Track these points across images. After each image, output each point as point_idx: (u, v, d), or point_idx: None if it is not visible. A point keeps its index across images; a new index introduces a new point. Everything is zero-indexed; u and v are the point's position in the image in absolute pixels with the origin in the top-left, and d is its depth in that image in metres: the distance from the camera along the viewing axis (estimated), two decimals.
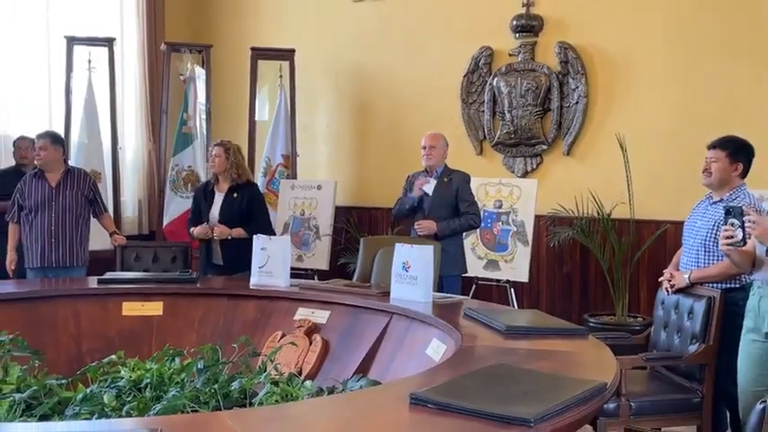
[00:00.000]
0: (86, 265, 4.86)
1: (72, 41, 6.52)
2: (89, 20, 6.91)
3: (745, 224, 2.97)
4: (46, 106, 6.69)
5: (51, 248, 4.71)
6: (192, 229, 4.80)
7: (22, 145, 5.87)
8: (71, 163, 5.44)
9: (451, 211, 4.70)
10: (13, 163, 5.97)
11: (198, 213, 4.87)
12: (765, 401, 1.80)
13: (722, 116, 5.03)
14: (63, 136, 5.69)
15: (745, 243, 3.03)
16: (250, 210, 4.75)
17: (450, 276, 4.56)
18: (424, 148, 4.76)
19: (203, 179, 6.76)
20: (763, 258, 3.04)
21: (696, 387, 3.36)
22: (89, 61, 6.62)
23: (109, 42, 6.71)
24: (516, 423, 1.78)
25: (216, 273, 4.71)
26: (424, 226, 4.59)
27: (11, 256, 4.82)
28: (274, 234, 4.97)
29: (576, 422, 1.95)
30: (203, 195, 4.88)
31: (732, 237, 3.02)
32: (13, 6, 6.44)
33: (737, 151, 3.52)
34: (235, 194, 4.76)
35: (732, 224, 3.02)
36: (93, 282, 4.08)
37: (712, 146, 3.56)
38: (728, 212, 3.06)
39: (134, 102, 7.25)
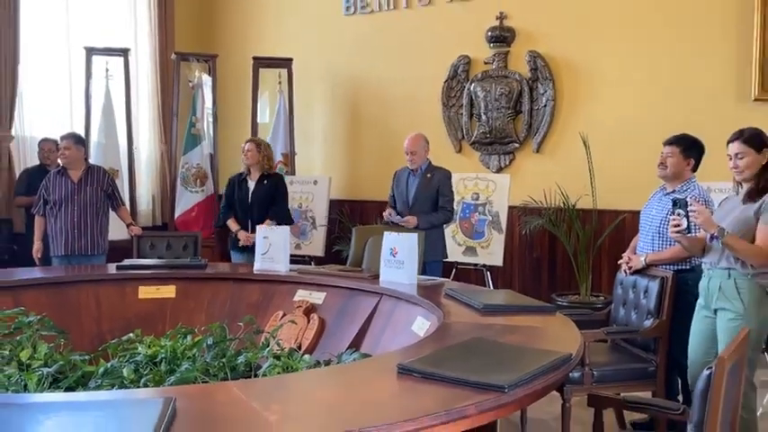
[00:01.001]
0: (106, 253, 4.84)
1: (91, 52, 6.49)
2: (106, 32, 6.88)
3: (689, 214, 3.01)
4: (67, 110, 6.66)
5: (74, 238, 4.70)
6: (239, 236, 4.89)
7: (45, 146, 5.84)
8: (91, 161, 5.41)
9: (432, 204, 4.70)
10: (37, 162, 5.94)
11: (231, 200, 5.07)
12: (711, 368, 1.82)
13: (673, 117, 5.06)
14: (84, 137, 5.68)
15: (689, 230, 3.07)
16: (275, 195, 4.97)
17: (433, 261, 4.58)
18: (407, 153, 4.75)
19: (210, 176, 6.81)
20: (711, 244, 3.07)
21: (651, 357, 3.38)
22: (106, 70, 6.59)
23: (124, 52, 6.68)
24: (492, 389, 1.80)
25: (242, 254, 4.90)
26: (409, 222, 4.59)
27: (37, 246, 4.80)
28: (291, 218, 5.13)
29: (545, 388, 1.97)
30: (237, 184, 5.07)
31: (679, 225, 3.06)
32: (38, 21, 6.39)
33: (690, 148, 3.54)
34: (265, 181, 4.98)
35: (678, 214, 3.05)
36: (112, 268, 4.06)
37: (668, 142, 3.57)
38: (675, 204, 3.10)
39: (147, 106, 7.22)
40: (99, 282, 3.85)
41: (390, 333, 3.16)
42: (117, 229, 5.20)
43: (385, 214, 4.78)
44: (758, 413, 3.40)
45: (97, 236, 4.77)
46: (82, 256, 4.70)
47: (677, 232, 3.09)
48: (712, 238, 2.99)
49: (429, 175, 4.74)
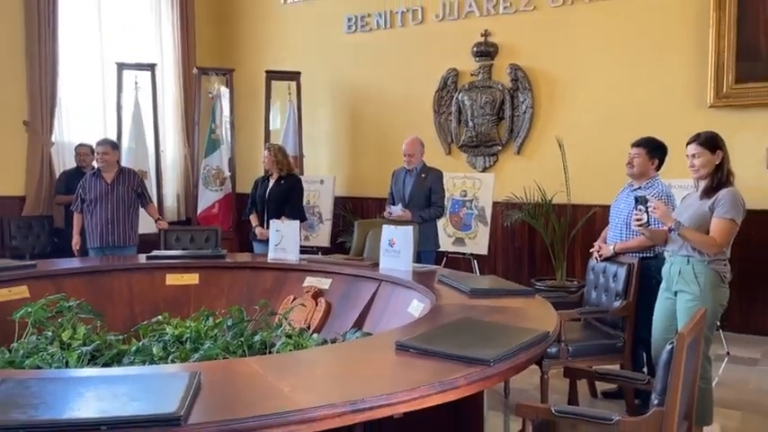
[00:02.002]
0: (136, 245, 4.83)
1: (121, 67, 6.48)
2: (135, 49, 6.87)
3: (649, 209, 3.03)
4: (101, 119, 6.65)
5: (109, 232, 4.69)
6: (255, 231, 4.91)
7: (81, 150, 5.83)
8: (122, 164, 5.40)
9: (426, 200, 4.69)
10: (74, 165, 5.94)
11: (254, 197, 5.05)
12: (673, 343, 1.83)
13: (639, 122, 5.06)
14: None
15: (649, 224, 3.08)
16: (290, 194, 4.90)
17: (427, 251, 4.57)
18: (405, 155, 4.71)
19: (228, 176, 6.81)
20: (671, 235, 3.07)
21: (619, 334, 3.39)
22: (135, 82, 6.58)
23: (151, 67, 6.67)
24: (479, 363, 1.81)
25: (262, 244, 4.77)
26: (404, 216, 4.57)
27: (76, 239, 4.79)
28: (304, 215, 5.07)
29: (526, 362, 1.98)
30: (260, 183, 5.06)
31: (640, 219, 3.07)
32: (74, 39, 6.38)
33: (655, 149, 3.53)
34: (282, 181, 4.92)
35: (640, 209, 3.08)
36: (142, 258, 4.05)
37: (636, 144, 3.56)
38: (637, 201, 3.12)
39: (172, 115, 7.21)
40: (131, 270, 3.84)
41: (389, 314, 3.16)
42: (146, 224, 5.19)
43: (385, 213, 4.76)
44: (713, 383, 3.42)
45: (128, 230, 4.76)
46: (115, 247, 4.69)
47: (639, 225, 3.11)
48: (671, 229, 3.01)
49: (423, 176, 4.72)
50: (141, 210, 4.95)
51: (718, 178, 2.95)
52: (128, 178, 4.81)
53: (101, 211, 4.69)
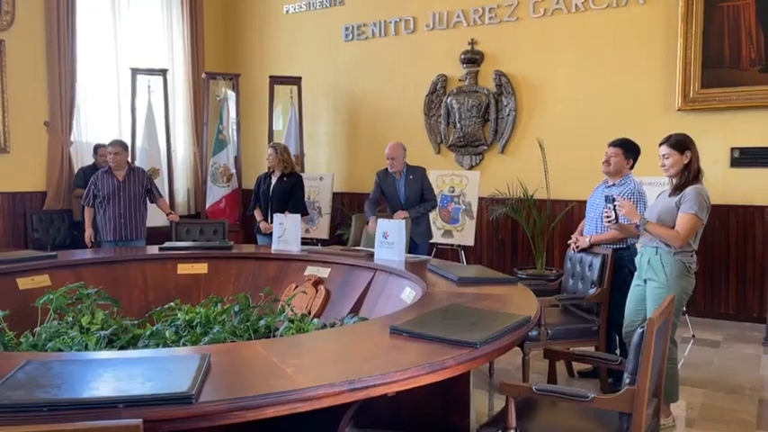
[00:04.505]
0: (145, 237, 4.78)
1: (135, 72, 6.44)
2: (148, 55, 6.81)
3: (616, 207, 3.05)
4: (116, 120, 6.60)
5: (121, 226, 4.63)
6: (260, 226, 4.89)
7: (103, 152, 5.77)
8: (136, 163, 5.36)
9: (419, 197, 4.67)
10: (91, 161, 5.91)
11: (257, 193, 4.99)
12: (643, 327, 1.84)
13: (612, 124, 5.09)
14: (130, 143, 5.63)
15: (617, 220, 3.10)
16: (292, 190, 4.86)
17: (421, 242, 4.56)
18: (388, 158, 4.63)
19: (234, 173, 6.78)
20: (640, 229, 3.09)
21: (594, 319, 3.41)
22: (148, 86, 6.53)
23: (163, 72, 6.63)
24: (466, 345, 1.82)
25: (265, 237, 4.80)
26: (401, 216, 4.53)
27: (89, 232, 4.73)
28: (306, 210, 5.02)
29: (509, 345, 1.99)
30: (263, 179, 5.00)
31: (609, 216, 3.09)
32: (92, 46, 6.33)
33: (630, 149, 3.53)
34: (284, 179, 4.87)
35: (609, 207, 3.10)
36: (155, 249, 4.03)
37: (613, 144, 3.55)
38: (607, 199, 3.14)
39: (182, 116, 7.16)
40: (145, 260, 3.83)
41: (383, 301, 3.17)
42: (158, 218, 5.16)
43: (369, 229, 4.42)
44: (680, 364, 3.44)
45: (139, 224, 4.72)
46: (128, 240, 4.65)
47: (609, 222, 3.13)
48: (637, 225, 3.02)
49: (411, 177, 4.67)
50: (151, 204, 4.91)
51: (686, 177, 2.96)
52: (137, 176, 4.77)
53: (114, 206, 4.64)
